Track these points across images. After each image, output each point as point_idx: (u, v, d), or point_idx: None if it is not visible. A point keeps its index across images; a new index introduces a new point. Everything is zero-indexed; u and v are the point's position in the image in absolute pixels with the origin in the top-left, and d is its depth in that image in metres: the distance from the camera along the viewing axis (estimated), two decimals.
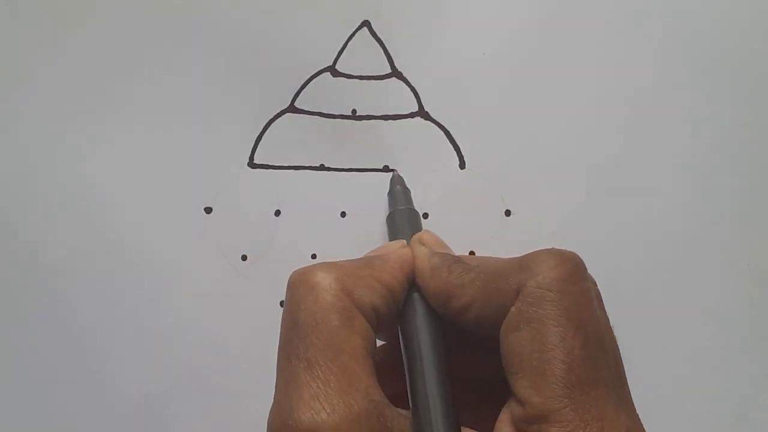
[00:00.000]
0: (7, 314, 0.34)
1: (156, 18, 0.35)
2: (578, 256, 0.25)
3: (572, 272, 0.24)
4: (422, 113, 0.35)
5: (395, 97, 0.35)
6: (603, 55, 0.35)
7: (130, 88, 0.35)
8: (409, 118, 0.35)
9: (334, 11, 0.35)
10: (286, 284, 0.26)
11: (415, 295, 0.27)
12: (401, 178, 0.34)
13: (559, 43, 0.35)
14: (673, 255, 0.35)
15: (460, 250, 0.34)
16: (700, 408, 0.34)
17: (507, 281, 0.25)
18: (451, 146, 0.35)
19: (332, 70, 0.35)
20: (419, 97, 0.35)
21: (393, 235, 0.31)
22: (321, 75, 0.35)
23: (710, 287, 0.34)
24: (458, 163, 0.35)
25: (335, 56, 0.35)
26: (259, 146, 0.35)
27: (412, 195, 0.33)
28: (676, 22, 0.35)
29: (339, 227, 0.35)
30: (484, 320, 0.26)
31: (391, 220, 0.32)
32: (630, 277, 0.34)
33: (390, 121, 0.35)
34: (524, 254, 0.26)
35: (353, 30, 0.35)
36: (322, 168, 0.35)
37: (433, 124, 0.35)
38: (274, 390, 0.24)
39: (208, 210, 0.35)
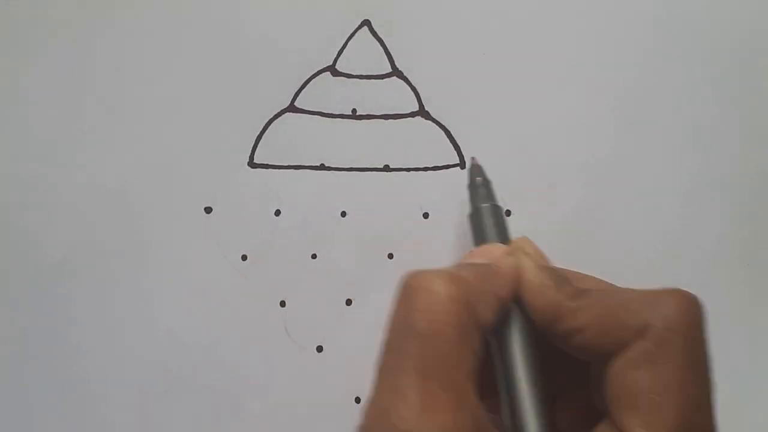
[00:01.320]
0: (6, 314, 0.34)
1: (156, 18, 0.35)
2: (700, 301, 0.25)
3: (699, 318, 0.25)
4: (422, 113, 0.35)
5: (395, 96, 0.35)
6: (603, 55, 0.35)
7: (129, 88, 0.35)
8: (409, 118, 0.35)
9: (334, 10, 0.35)
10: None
11: (517, 310, 0.26)
12: (481, 167, 0.32)
13: (560, 42, 0.35)
14: (673, 255, 0.35)
15: (461, 250, 0.34)
16: None
17: (630, 316, 0.24)
18: (451, 146, 0.35)
19: (332, 69, 0.35)
20: (419, 97, 0.35)
21: (480, 237, 0.29)
22: (321, 74, 0.35)
23: (710, 287, 0.34)
24: (458, 163, 0.35)
25: (335, 56, 0.35)
26: (259, 146, 0.35)
27: (412, 195, 0.33)
28: (678, 23, 0.35)
29: (339, 227, 0.35)
30: (592, 348, 0.25)
31: (476, 219, 0.30)
32: (630, 277, 0.34)
33: (390, 120, 0.35)
34: (648, 290, 0.25)
35: (353, 29, 0.35)
36: (322, 168, 0.35)
37: (433, 124, 0.35)
38: (373, 391, 0.23)
39: (208, 210, 0.35)
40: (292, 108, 0.35)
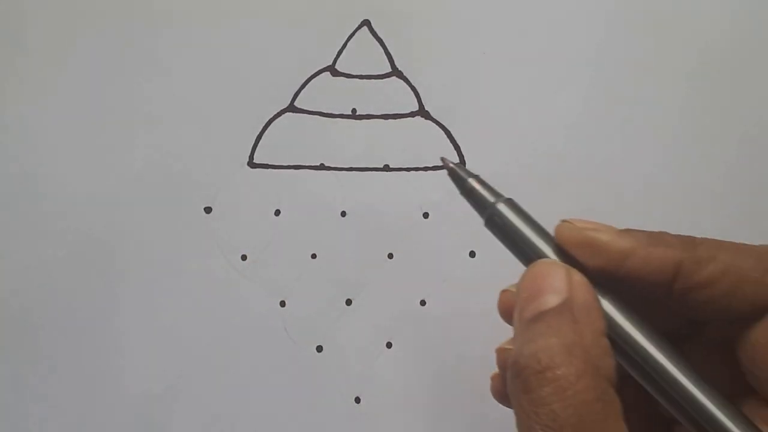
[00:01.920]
0: (7, 313, 0.34)
1: (155, 18, 0.35)
2: None
3: None
4: (422, 113, 0.35)
5: (395, 96, 0.35)
6: (603, 55, 0.35)
7: (129, 88, 0.35)
8: (409, 118, 0.35)
9: (334, 10, 0.35)
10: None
11: (616, 304, 0.23)
12: (461, 166, 0.26)
13: (559, 42, 0.35)
14: None
15: (461, 250, 0.34)
16: None
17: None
18: (451, 146, 0.35)
19: (332, 69, 0.35)
20: (419, 97, 0.35)
21: (519, 245, 0.24)
22: (321, 74, 0.35)
23: None
24: (458, 163, 0.35)
25: (335, 56, 0.35)
26: (259, 146, 0.35)
27: (412, 195, 0.33)
28: (677, 23, 0.35)
29: (339, 227, 0.35)
30: (720, 306, 0.22)
31: (500, 227, 0.24)
32: None
33: (390, 120, 0.35)
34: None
35: (353, 29, 0.35)
36: (322, 167, 0.35)
37: (433, 124, 0.35)
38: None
39: (208, 210, 0.35)
40: (292, 108, 0.35)
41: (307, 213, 0.34)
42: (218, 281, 0.34)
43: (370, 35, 0.35)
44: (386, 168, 0.35)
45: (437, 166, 0.35)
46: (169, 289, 0.34)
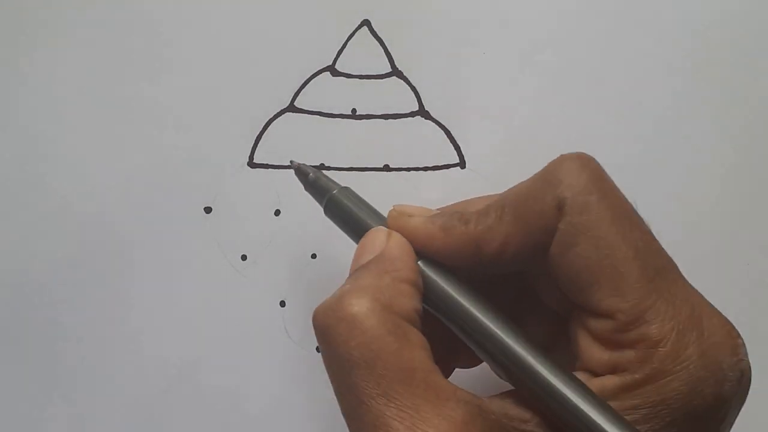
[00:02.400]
0: (7, 313, 0.34)
1: (155, 17, 0.35)
2: (587, 154, 0.25)
3: (597, 168, 0.24)
4: (422, 113, 0.35)
5: (395, 96, 0.35)
6: (604, 55, 0.35)
7: (129, 87, 0.35)
8: (409, 118, 0.35)
9: (334, 10, 0.35)
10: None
11: (432, 269, 0.25)
12: (304, 164, 0.30)
13: (560, 42, 0.35)
14: (673, 255, 0.35)
15: None
16: None
17: (542, 201, 0.24)
18: (451, 146, 0.35)
19: (332, 69, 0.35)
20: (419, 97, 0.35)
21: (354, 226, 0.28)
22: (321, 74, 0.35)
23: (710, 287, 0.34)
24: (458, 162, 0.35)
25: (335, 56, 0.35)
26: (258, 146, 0.35)
27: (412, 195, 0.33)
28: (676, 23, 0.35)
29: None
30: (525, 252, 0.24)
31: (335, 212, 0.29)
32: None
33: (390, 120, 0.35)
34: (539, 171, 0.25)
35: (353, 29, 0.35)
36: (321, 167, 0.35)
37: (433, 124, 0.35)
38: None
39: (208, 210, 0.35)
40: (291, 108, 0.35)
41: (307, 213, 0.34)
42: (218, 281, 0.34)
43: (370, 35, 0.35)
44: (386, 168, 0.35)
45: (437, 166, 0.35)
46: (169, 289, 0.34)
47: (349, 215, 0.28)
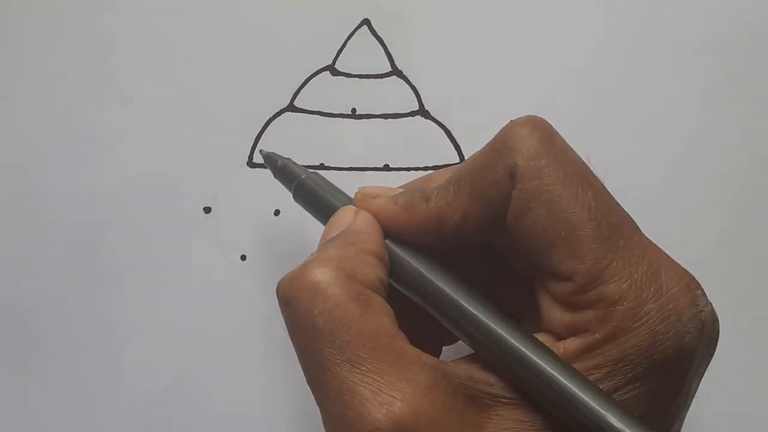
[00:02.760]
0: (6, 313, 0.34)
1: (155, 17, 0.35)
2: (538, 116, 0.25)
3: (547, 131, 0.24)
4: (422, 112, 0.35)
5: (395, 95, 0.35)
6: (603, 55, 0.35)
7: (128, 88, 0.35)
8: (409, 117, 0.35)
9: (334, 10, 0.35)
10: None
11: (398, 247, 0.26)
12: (273, 153, 0.31)
13: (560, 42, 0.35)
14: (673, 255, 0.35)
15: None
16: (699, 408, 0.34)
17: (495, 170, 0.24)
18: (451, 145, 0.35)
19: (332, 69, 0.35)
20: (419, 96, 0.35)
21: (323, 207, 0.28)
22: (320, 74, 0.35)
23: (710, 287, 0.34)
24: (458, 162, 0.35)
25: (335, 55, 0.35)
26: (258, 146, 0.35)
27: None
28: (678, 22, 0.35)
29: None
30: (486, 222, 0.24)
31: (304, 196, 0.29)
32: None
33: (390, 120, 0.35)
34: (490, 140, 0.25)
35: (353, 28, 0.35)
36: (321, 167, 0.35)
37: (433, 124, 0.35)
38: (323, 409, 0.22)
39: (208, 210, 0.35)
40: (291, 108, 0.35)
41: (306, 213, 0.34)
42: (218, 281, 0.34)
43: (370, 34, 0.35)
44: (386, 168, 0.35)
45: (437, 166, 0.35)
46: (169, 289, 0.34)
47: (317, 198, 0.28)
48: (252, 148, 0.35)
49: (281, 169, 0.30)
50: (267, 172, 0.35)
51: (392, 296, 0.25)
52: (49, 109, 0.35)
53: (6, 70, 0.35)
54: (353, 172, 0.35)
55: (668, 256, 0.23)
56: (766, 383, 0.34)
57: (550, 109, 0.35)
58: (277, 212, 0.35)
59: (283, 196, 0.35)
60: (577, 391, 0.21)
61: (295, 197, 0.29)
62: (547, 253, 0.23)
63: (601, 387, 0.21)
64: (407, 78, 0.35)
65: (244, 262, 0.34)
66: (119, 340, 0.34)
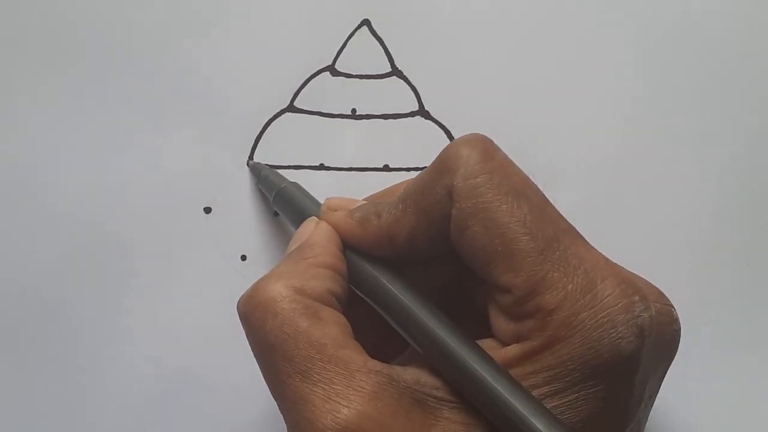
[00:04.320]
0: (5, 313, 0.34)
1: (155, 17, 0.35)
2: (479, 134, 0.25)
3: (486, 149, 0.25)
4: (422, 112, 0.35)
5: (395, 96, 0.35)
6: (604, 55, 0.35)
7: (128, 87, 0.35)
8: (409, 118, 0.35)
9: (334, 10, 0.35)
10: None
11: (356, 257, 0.27)
12: (259, 163, 0.33)
13: (560, 42, 0.35)
14: (673, 254, 0.35)
15: None
16: (698, 408, 0.34)
17: (435, 191, 0.25)
18: None
19: (332, 69, 0.35)
20: (419, 96, 0.35)
21: (295, 215, 0.30)
22: (320, 74, 0.35)
23: (710, 287, 0.34)
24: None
25: (335, 55, 0.35)
26: (258, 146, 0.35)
27: None
28: (678, 22, 0.35)
29: None
30: (433, 238, 0.25)
31: (282, 204, 0.31)
32: None
33: (390, 120, 0.35)
34: (434, 159, 0.25)
35: (353, 29, 0.35)
36: (321, 168, 0.35)
37: (433, 124, 0.35)
38: (286, 417, 0.24)
39: (208, 210, 0.35)
40: (291, 108, 0.35)
41: None
42: (218, 281, 0.34)
43: (370, 35, 0.35)
44: (386, 168, 0.35)
45: None
46: (169, 289, 0.34)
47: (292, 207, 0.30)
48: (252, 148, 0.35)
49: (264, 178, 0.32)
50: None
51: (359, 305, 0.27)
52: (49, 109, 0.35)
53: (6, 69, 0.35)
54: (353, 172, 0.35)
55: (609, 262, 0.24)
56: (762, 386, 0.34)
57: (551, 109, 0.35)
58: (276, 212, 0.35)
59: None
60: (506, 395, 0.22)
61: (273, 204, 0.31)
62: (487, 267, 0.24)
63: (539, 391, 0.23)
64: (407, 78, 0.35)
65: (244, 262, 0.34)
66: (119, 340, 0.34)
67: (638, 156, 0.35)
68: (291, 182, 0.31)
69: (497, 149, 0.25)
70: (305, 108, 0.35)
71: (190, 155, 0.35)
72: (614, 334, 0.22)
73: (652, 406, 0.25)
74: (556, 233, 0.24)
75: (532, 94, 0.35)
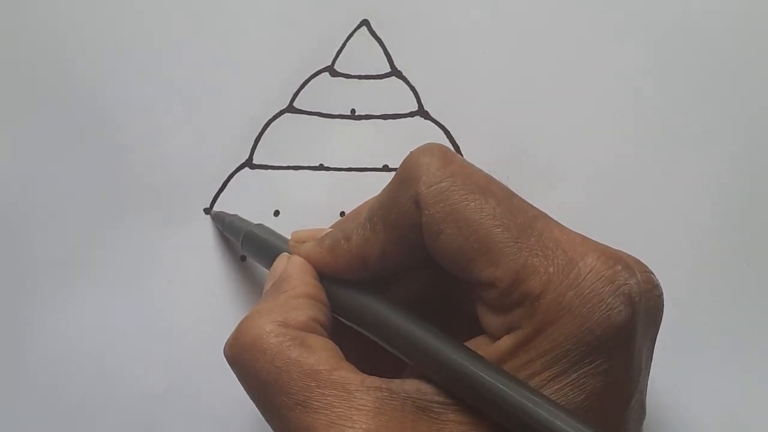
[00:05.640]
0: (6, 313, 0.34)
1: (154, 17, 0.35)
2: (434, 143, 0.26)
3: (444, 155, 0.25)
4: (422, 113, 0.35)
5: (395, 96, 0.35)
6: (605, 55, 0.35)
7: (128, 87, 0.35)
8: (408, 118, 0.35)
9: (333, 10, 0.35)
10: None
11: (332, 285, 0.27)
12: (221, 211, 0.34)
13: (560, 42, 0.35)
14: (673, 255, 0.35)
15: None
16: (698, 408, 0.34)
17: (401, 203, 0.25)
18: (451, 146, 0.35)
19: (331, 69, 0.35)
20: (419, 97, 0.35)
21: (267, 256, 0.30)
22: (320, 75, 0.35)
23: (710, 287, 0.34)
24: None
25: (334, 56, 0.35)
26: (258, 146, 0.35)
27: None
28: (678, 23, 0.35)
29: None
30: (405, 252, 0.26)
31: (250, 247, 0.31)
32: None
33: (389, 120, 0.35)
34: (395, 174, 0.26)
35: (352, 29, 0.35)
36: (321, 168, 0.35)
37: (433, 124, 0.35)
38: None
39: (208, 210, 0.35)
40: (291, 108, 0.35)
41: (306, 213, 0.34)
42: (217, 281, 0.34)
43: (369, 35, 0.35)
44: (386, 168, 0.35)
45: None
46: (168, 289, 0.34)
47: (261, 248, 0.30)
48: (252, 148, 0.35)
49: (229, 224, 0.32)
50: (267, 173, 0.35)
51: (348, 334, 0.27)
52: (48, 108, 0.35)
53: (6, 69, 0.35)
54: (353, 172, 0.35)
55: (585, 239, 0.24)
56: (762, 386, 0.34)
57: (551, 108, 0.35)
58: (276, 213, 0.35)
59: (282, 196, 0.35)
60: (501, 390, 0.22)
61: (242, 248, 0.31)
62: (467, 267, 0.24)
63: (539, 377, 0.22)
64: (407, 78, 0.35)
65: (244, 262, 0.34)
66: (118, 341, 0.34)
67: (638, 156, 0.35)
68: (256, 224, 0.32)
69: (455, 154, 0.26)
70: (305, 108, 0.35)
71: (190, 155, 0.35)
72: (603, 307, 0.22)
73: (648, 375, 0.25)
74: (528, 220, 0.24)
75: (532, 94, 0.35)
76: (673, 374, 0.34)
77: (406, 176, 0.25)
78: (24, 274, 0.34)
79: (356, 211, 0.30)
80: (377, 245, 0.26)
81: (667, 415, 0.34)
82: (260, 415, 0.33)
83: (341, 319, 0.27)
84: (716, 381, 0.34)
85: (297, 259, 0.28)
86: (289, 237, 0.30)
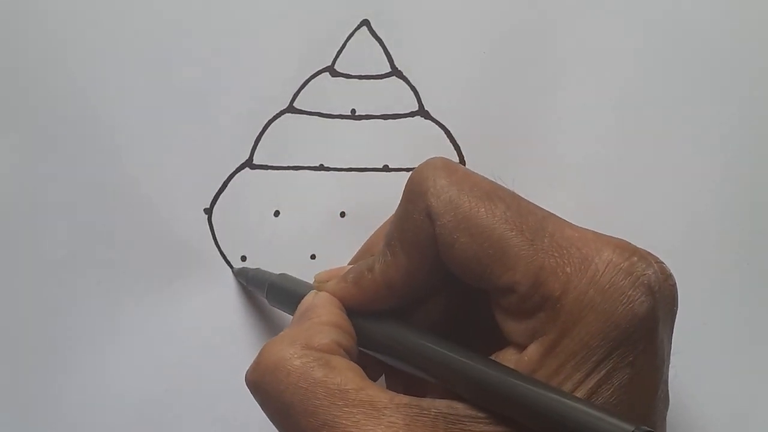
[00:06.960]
0: (6, 314, 0.34)
1: (155, 17, 0.35)
2: (437, 156, 0.26)
3: (448, 166, 0.25)
4: (422, 112, 0.35)
5: (395, 96, 0.35)
6: (605, 55, 0.35)
7: (129, 88, 0.35)
8: (408, 118, 0.35)
9: (334, 10, 0.35)
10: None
11: (360, 318, 0.27)
12: (244, 267, 0.34)
13: (560, 41, 0.35)
14: (673, 255, 0.34)
15: None
16: (698, 408, 0.34)
17: (414, 218, 0.25)
18: (451, 145, 0.35)
19: (331, 69, 0.35)
20: (419, 97, 0.35)
21: (292, 302, 0.30)
22: (320, 75, 0.35)
23: (710, 287, 0.34)
24: (458, 162, 0.35)
25: (334, 56, 0.35)
26: (258, 147, 0.35)
27: None
28: (678, 23, 0.35)
29: (338, 227, 0.35)
30: (427, 268, 0.25)
31: (276, 294, 0.31)
32: None
33: (390, 120, 0.35)
34: (402, 194, 0.26)
35: (352, 29, 0.35)
36: (321, 168, 0.35)
37: (433, 124, 0.35)
38: None
39: (208, 210, 0.35)
40: (291, 108, 0.35)
41: (306, 214, 0.35)
42: (218, 282, 0.34)
43: (370, 35, 0.35)
44: (386, 168, 0.35)
45: None
46: (169, 290, 0.34)
47: (287, 294, 0.30)
48: (252, 149, 0.35)
49: (252, 277, 0.33)
50: (267, 173, 0.35)
51: (368, 366, 0.26)
52: (48, 109, 0.35)
53: (6, 71, 0.35)
54: (353, 172, 0.35)
55: (597, 234, 0.24)
56: (762, 386, 0.34)
57: (550, 108, 0.35)
58: (276, 213, 0.35)
59: (282, 196, 0.35)
60: (542, 394, 0.22)
61: (268, 298, 0.31)
62: (484, 274, 0.24)
63: (572, 380, 0.22)
64: (407, 78, 0.35)
65: (244, 262, 0.34)
66: (118, 341, 0.34)
67: (638, 156, 0.35)
68: (278, 275, 0.32)
69: (457, 164, 0.26)
70: (305, 108, 0.35)
71: (190, 155, 0.35)
72: (625, 300, 0.22)
73: (669, 365, 0.25)
74: (538, 222, 0.24)
75: (532, 94, 0.35)
76: (672, 374, 0.34)
77: (414, 192, 0.25)
78: (24, 275, 0.34)
79: (369, 244, 0.31)
80: (400, 268, 0.26)
81: (666, 415, 0.34)
82: (262, 419, 0.34)
83: (369, 352, 0.27)
84: (716, 381, 0.34)
85: (323, 294, 0.28)
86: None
